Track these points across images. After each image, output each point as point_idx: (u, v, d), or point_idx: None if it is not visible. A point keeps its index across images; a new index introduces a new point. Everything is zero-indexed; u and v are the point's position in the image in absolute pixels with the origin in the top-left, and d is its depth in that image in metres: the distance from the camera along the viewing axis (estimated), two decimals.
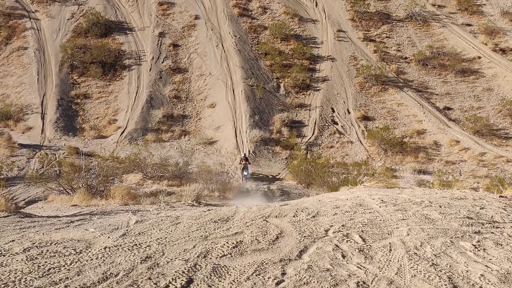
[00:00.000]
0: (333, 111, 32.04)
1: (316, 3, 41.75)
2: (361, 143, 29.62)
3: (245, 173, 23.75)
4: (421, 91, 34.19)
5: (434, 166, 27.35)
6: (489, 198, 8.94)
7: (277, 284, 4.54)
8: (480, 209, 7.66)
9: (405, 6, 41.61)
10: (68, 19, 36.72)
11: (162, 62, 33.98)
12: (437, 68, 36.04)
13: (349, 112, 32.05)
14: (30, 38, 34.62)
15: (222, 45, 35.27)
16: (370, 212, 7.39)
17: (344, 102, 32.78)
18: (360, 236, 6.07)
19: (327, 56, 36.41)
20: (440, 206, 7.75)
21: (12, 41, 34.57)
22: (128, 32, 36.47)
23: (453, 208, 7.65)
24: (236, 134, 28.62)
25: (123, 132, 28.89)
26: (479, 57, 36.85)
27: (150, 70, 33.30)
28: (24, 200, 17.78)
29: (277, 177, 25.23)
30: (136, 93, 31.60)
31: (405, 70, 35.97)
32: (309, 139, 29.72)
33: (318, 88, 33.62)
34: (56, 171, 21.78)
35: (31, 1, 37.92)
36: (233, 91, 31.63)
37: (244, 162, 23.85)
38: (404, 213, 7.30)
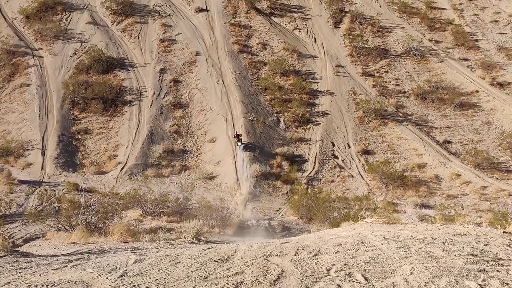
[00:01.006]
0: (333, 145, 32.09)
1: (315, 39, 42.48)
2: (362, 177, 29.52)
3: (239, 143, 30.09)
4: (420, 124, 34.35)
5: (436, 200, 27.16)
6: (493, 234, 8.82)
7: None
8: (484, 245, 7.55)
9: (403, 42, 42.32)
10: (71, 56, 37.29)
11: (163, 98, 34.28)
12: (436, 102, 36.32)
13: (349, 146, 32.09)
14: (33, 75, 35.06)
15: (223, 81, 35.69)
16: (372, 250, 7.28)
17: (344, 136, 32.87)
18: (362, 275, 5.95)
19: (327, 90, 36.77)
20: (443, 243, 7.64)
21: (15, 78, 34.99)
22: (129, 69, 36.97)
23: (456, 244, 7.54)
24: (236, 169, 28.56)
25: (123, 167, 28.84)
26: (477, 91, 37.20)
27: (151, 105, 33.56)
28: (21, 237, 17.56)
29: (278, 211, 25.04)
30: (137, 129, 31.75)
31: (404, 104, 36.25)
32: (310, 173, 29.65)
33: (318, 123, 33.79)
34: (55, 207, 21.63)
35: (35, 39, 38.60)
36: (234, 126, 31.79)
37: (236, 139, 30.18)
38: (407, 250, 7.18)
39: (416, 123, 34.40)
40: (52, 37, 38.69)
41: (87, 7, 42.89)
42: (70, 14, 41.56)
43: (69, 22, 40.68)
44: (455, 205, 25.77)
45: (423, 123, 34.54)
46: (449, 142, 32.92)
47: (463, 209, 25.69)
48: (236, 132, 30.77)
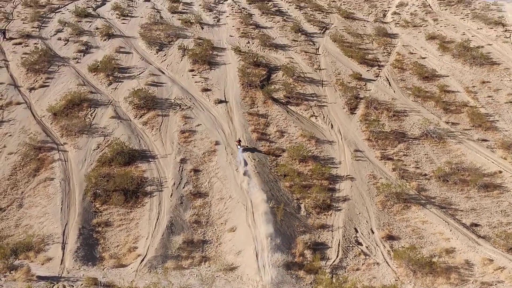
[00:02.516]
0: (356, 231, 31.32)
1: (332, 125, 43.20)
2: (388, 265, 28.39)
3: (238, 146, 37.02)
4: (445, 207, 33.54)
5: None
6: None
7: None
8: None
9: (419, 125, 42.71)
10: (94, 149, 38.39)
11: (183, 188, 34.51)
12: (458, 183, 35.74)
13: (372, 232, 31.27)
14: (57, 169, 35.95)
15: None
16: None
17: (367, 221, 32.16)
18: None
19: (346, 175, 36.67)
20: None
21: (40, 173, 35.88)
22: (150, 160, 37.73)
23: None
24: (257, 259, 27.82)
25: (142, 260, 28.36)
26: (500, 172, 36.65)
27: (171, 195, 33.72)
28: None
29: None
30: (157, 220, 31.66)
31: (426, 187, 35.71)
32: (334, 261, 28.68)
33: (339, 208, 33.30)
34: None
35: (61, 135, 40.10)
36: (253, 214, 31.46)
37: (237, 143, 37.68)
38: None
39: (440, 206, 33.62)
40: (77, 132, 40.17)
41: (111, 102, 44.94)
42: (95, 110, 43.47)
43: (93, 117, 42.42)
44: None
45: (447, 206, 33.73)
46: (476, 225, 31.84)
47: None
48: (239, 138, 38.51)
